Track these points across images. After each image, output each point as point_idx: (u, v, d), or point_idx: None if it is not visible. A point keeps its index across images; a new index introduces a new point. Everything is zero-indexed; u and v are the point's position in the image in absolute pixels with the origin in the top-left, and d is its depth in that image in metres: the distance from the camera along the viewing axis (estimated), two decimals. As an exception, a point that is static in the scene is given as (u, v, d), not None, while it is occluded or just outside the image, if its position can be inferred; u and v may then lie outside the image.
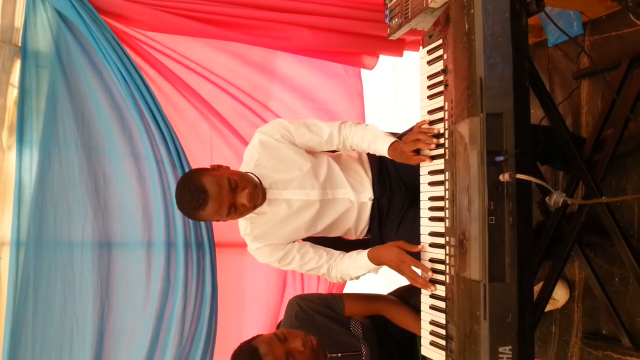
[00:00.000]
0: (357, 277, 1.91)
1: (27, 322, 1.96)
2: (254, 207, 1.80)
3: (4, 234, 1.95)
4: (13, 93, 1.98)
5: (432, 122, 1.61)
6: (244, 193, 1.74)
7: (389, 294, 2.12)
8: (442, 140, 1.52)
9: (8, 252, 1.93)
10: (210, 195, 1.69)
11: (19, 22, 1.97)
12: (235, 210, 1.76)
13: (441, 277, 1.49)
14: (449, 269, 1.41)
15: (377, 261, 1.75)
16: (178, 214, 2.18)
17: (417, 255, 1.63)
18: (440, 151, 1.54)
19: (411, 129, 1.70)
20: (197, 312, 2.25)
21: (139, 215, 2.17)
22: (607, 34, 2.11)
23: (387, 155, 1.77)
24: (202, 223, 2.25)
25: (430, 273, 1.54)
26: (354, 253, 1.86)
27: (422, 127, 1.62)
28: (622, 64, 1.92)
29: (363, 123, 1.93)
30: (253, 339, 1.72)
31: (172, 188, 2.18)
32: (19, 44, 1.98)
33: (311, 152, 1.97)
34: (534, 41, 2.48)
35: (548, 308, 2.28)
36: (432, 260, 1.57)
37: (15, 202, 1.94)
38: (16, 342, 1.94)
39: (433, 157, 1.59)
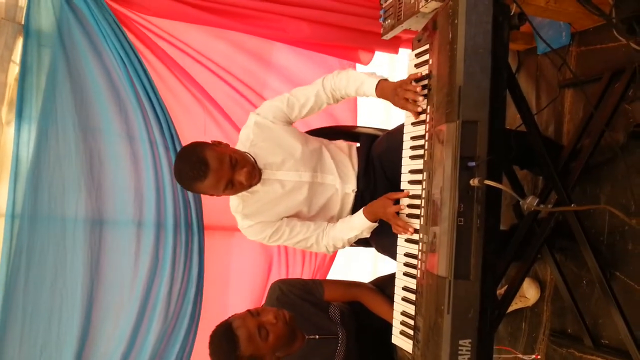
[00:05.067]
0: (349, 241, 1.97)
1: (18, 291, 2.04)
2: (250, 186, 1.87)
3: (-1, 206, 2.02)
4: (14, 70, 2.03)
5: (414, 124, 1.69)
6: (242, 171, 1.80)
7: (369, 282, 2.20)
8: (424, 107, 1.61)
9: (2, 224, 2.00)
10: (212, 169, 1.75)
11: (22, 0, 2.02)
12: (232, 187, 1.82)
13: (413, 272, 1.57)
14: (421, 264, 1.50)
15: (373, 215, 1.83)
16: (169, 196, 2.25)
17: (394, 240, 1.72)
18: (421, 143, 1.61)
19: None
20: (183, 292, 2.33)
21: (131, 195, 2.24)
22: (592, 47, 2.17)
23: (374, 96, 1.84)
24: (192, 205, 2.33)
25: (406, 210, 1.67)
26: (347, 217, 1.97)
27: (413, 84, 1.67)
28: (603, 78, 1.98)
29: (344, 71, 1.95)
30: (229, 317, 1.81)
31: (165, 170, 2.26)
32: (22, 22, 2.02)
33: (305, 136, 2.04)
34: (525, 47, 2.53)
35: (519, 306, 2.37)
36: (407, 255, 1.65)
37: (12, 175, 2.01)
38: (7, 309, 2.02)
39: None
